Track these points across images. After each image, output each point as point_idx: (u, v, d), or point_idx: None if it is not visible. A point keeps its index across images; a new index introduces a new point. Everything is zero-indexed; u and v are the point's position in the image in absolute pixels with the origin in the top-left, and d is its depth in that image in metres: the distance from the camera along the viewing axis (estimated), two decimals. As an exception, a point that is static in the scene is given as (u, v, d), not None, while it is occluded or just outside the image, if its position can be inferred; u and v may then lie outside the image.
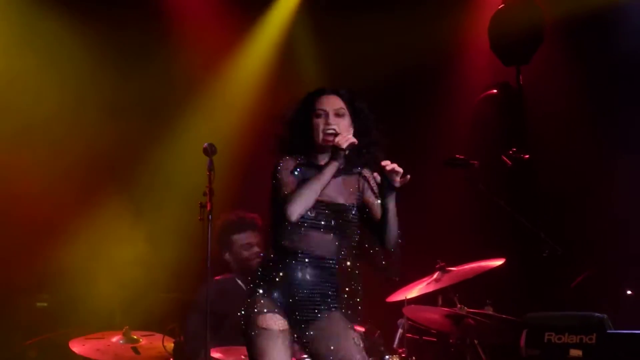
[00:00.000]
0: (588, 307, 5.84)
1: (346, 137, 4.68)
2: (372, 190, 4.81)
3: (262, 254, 6.77)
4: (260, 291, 4.75)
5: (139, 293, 7.65)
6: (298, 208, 4.63)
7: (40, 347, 7.36)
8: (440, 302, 6.72)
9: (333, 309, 4.76)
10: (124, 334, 6.51)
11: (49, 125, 7.85)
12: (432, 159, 5.65)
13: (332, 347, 4.67)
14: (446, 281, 6.58)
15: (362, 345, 4.71)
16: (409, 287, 6.59)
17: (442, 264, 6.60)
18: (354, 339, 4.69)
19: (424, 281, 6.65)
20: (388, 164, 4.61)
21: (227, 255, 6.69)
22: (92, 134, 7.93)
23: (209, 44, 8.39)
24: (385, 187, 4.68)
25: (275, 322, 4.67)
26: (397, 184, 4.63)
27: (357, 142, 4.68)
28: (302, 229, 4.71)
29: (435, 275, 6.63)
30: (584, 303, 6.70)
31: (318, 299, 4.74)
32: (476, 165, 5.08)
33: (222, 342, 6.25)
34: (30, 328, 7.57)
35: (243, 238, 6.68)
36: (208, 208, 5.54)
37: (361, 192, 4.83)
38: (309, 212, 4.66)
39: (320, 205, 4.70)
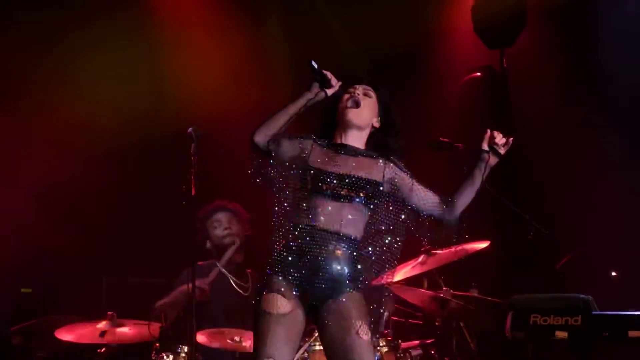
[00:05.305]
0: (573, 288, 5.84)
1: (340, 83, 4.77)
2: (406, 173, 4.73)
3: (233, 233, 6.92)
4: (269, 271, 4.51)
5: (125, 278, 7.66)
6: (261, 127, 4.62)
7: (25, 333, 7.32)
8: (425, 285, 6.73)
9: (350, 290, 4.50)
10: (109, 320, 6.48)
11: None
12: (417, 141, 5.63)
13: (334, 336, 4.44)
14: (431, 264, 6.59)
15: (367, 337, 4.41)
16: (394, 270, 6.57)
17: (428, 246, 6.59)
18: (358, 331, 4.40)
19: (409, 264, 6.65)
20: (498, 135, 4.82)
21: (208, 244, 6.85)
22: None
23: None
24: (485, 156, 4.82)
25: (278, 305, 4.40)
26: (503, 151, 4.83)
27: (358, 104, 4.72)
28: (313, 200, 4.53)
29: (420, 258, 6.63)
30: (569, 285, 6.70)
31: (331, 279, 4.47)
32: (461, 148, 5.07)
33: (201, 324, 6.26)
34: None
35: (213, 219, 6.95)
36: (193, 193, 5.51)
37: (391, 175, 4.69)
38: (319, 184, 4.54)
39: (331, 175, 4.57)
